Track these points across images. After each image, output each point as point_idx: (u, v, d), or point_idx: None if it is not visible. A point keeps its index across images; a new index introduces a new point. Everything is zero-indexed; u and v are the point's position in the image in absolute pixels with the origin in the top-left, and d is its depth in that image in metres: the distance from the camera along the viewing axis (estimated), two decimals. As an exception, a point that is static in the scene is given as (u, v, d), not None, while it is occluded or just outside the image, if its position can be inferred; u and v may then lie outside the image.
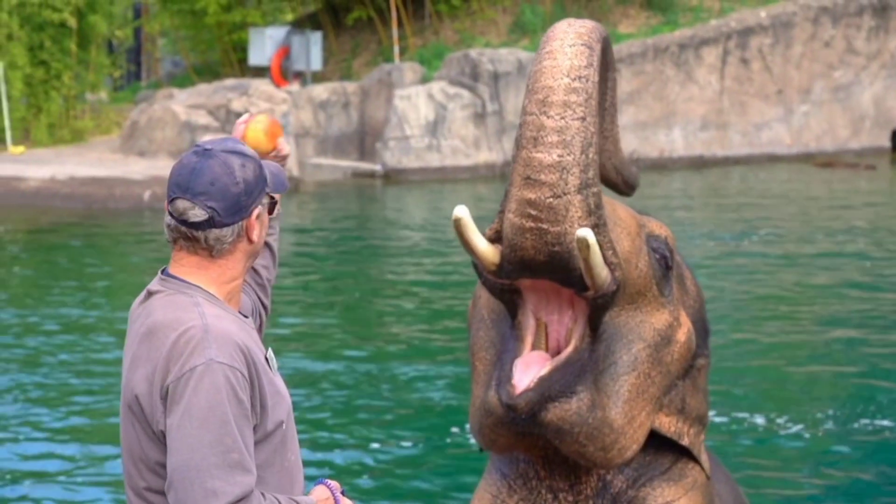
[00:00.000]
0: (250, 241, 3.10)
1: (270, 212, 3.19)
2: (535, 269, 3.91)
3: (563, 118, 3.84)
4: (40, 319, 11.46)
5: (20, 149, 22.01)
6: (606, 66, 4.34)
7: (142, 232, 16.94)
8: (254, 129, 3.57)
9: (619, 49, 22.65)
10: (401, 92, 21.58)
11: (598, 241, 3.85)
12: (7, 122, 22.21)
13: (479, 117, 21.86)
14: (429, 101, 21.56)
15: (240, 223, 3.06)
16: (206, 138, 3.32)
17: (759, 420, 8.60)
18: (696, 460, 4.42)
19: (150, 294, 3.12)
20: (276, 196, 3.23)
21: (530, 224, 3.84)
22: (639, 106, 22.95)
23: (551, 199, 3.81)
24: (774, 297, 12.52)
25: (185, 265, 3.10)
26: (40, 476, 7.64)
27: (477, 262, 4.04)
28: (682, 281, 4.46)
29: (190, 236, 3.05)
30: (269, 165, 3.20)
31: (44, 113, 23.12)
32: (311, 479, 3.33)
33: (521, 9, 24.69)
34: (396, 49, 23.86)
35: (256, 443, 3.03)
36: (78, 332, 11.01)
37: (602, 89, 4.39)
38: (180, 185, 3.03)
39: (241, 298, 3.22)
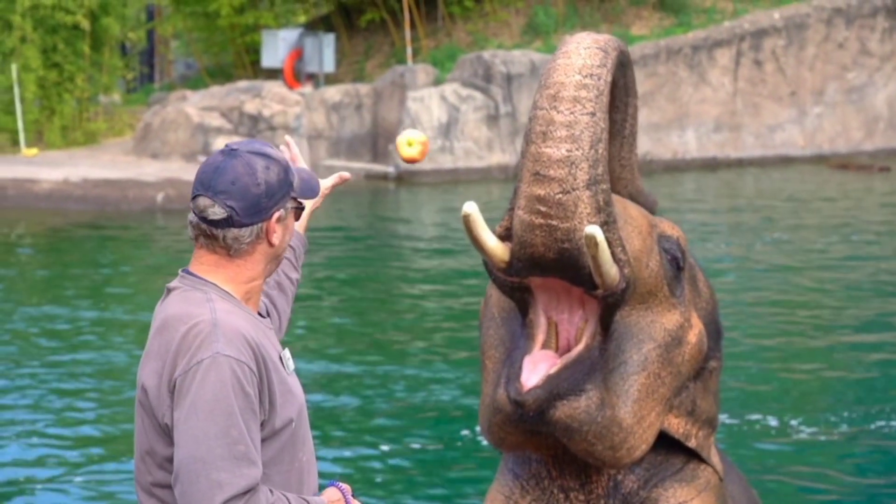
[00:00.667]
0: (270, 243, 3.11)
1: (297, 217, 3.19)
2: (545, 267, 3.91)
3: (572, 113, 3.85)
4: (53, 321, 11.47)
5: (33, 151, 22.06)
6: (627, 90, 4.34)
7: (154, 234, 16.96)
8: (416, 134, 3.80)
9: (631, 50, 22.62)
10: (413, 94, 21.58)
11: (607, 238, 3.85)
12: (20, 125, 22.27)
13: (492, 119, 21.85)
14: (441, 103, 21.55)
15: (259, 224, 3.07)
16: (219, 140, 3.35)
17: (773, 422, 8.58)
18: (707, 461, 4.42)
19: (168, 291, 3.15)
20: (304, 202, 3.23)
21: (539, 220, 3.84)
22: (652, 107, 22.92)
23: (560, 195, 3.82)
24: (788, 299, 12.49)
25: (203, 263, 3.12)
26: (53, 476, 7.65)
27: (487, 260, 4.04)
28: (694, 282, 4.44)
29: (209, 234, 3.07)
30: (301, 172, 3.20)
31: (57, 115, 23.17)
32: (324, 479, 3.32)
33: (534, 10, 24.67)
34: (409, 51, 23.87)
35: (264, 439, 3.03)
36: (91, 334, 11.03)
37: (622, 116, 4.40)
38: (203, 183, 3.06)
39: (260, 300, 3.22)
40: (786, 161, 23.85)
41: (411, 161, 3.78)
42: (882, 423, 8.61)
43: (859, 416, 8.75)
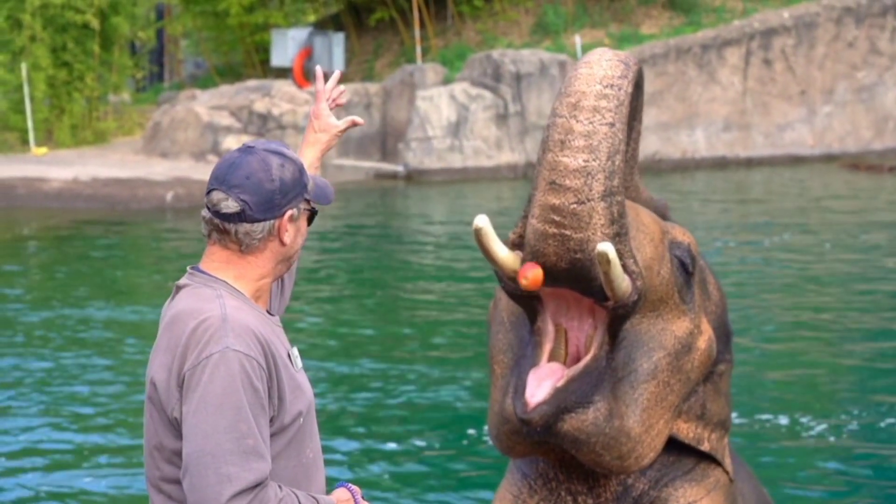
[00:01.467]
0: (282, 242, 3.13)
1: (309, 221, 3.21)
2: (557, 277, 3.90)
3: (591, 123, 3.84)
4: (62, 319, 11.49)
5: (43, 150, 22.10)
6: (635, 114, 4.35)
7: (164, 233, 16.98)
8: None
9: (641, 50, 22.62)
10: (423, 93, 21.58)
11: (619, 251, 3.84)
12: (30, 124, 22.30)
13: (502, 118, 21.85)
14: (451, 102, 21.55)
15: (271, 221, 3.09)
16: (228, 139, 3.37)
17: (784, 421, 8.58)
18: (720, 462, 4.41)
19: (178, 289, 3.17)
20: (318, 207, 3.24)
21: (553, 230, 3.83)
22: (661, 107, 22.90)
23: (575, 206, 3.81)
24: (797, 299, 12.47)
25: (214, 260, 3.14)
26: (62, 475, 7.66)
27: (497, 270, 4.03)
28: (704, 286, 4.44)
29: (222, 228, 3.10)
30: (317, 178, 3.24)
31: (66, 114, 23.21)
32: (333, 481, 3.32)
33: (544, 10, 24.66)
34: (419, 50, 23.87)
35: (272, 435, 3.05)
36: (100, 332, 11.04)
37: (626, 138, 4.39)
38: (218, 178, 3.10)
39: (269, 298, 3.25)
40: (795, 160, 23.81)
41: (530, 279, 3.85)
42: (893, 420, 8.60)
43: (870, 415, 8.74)
